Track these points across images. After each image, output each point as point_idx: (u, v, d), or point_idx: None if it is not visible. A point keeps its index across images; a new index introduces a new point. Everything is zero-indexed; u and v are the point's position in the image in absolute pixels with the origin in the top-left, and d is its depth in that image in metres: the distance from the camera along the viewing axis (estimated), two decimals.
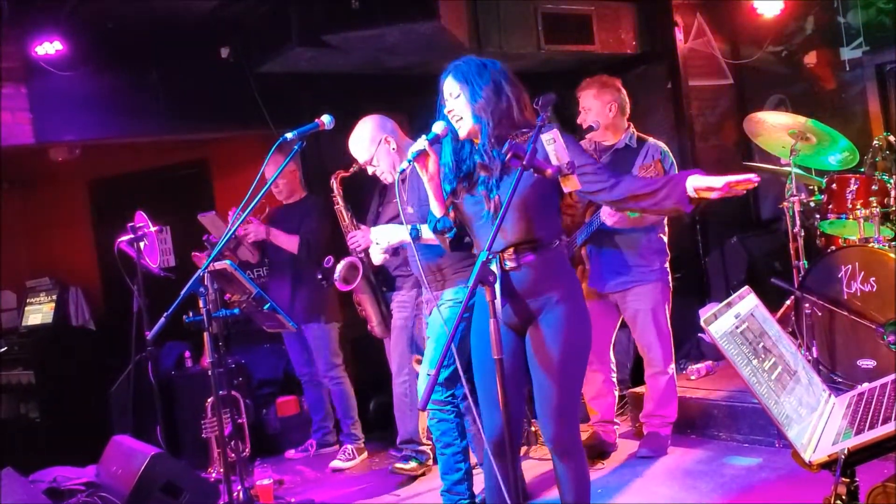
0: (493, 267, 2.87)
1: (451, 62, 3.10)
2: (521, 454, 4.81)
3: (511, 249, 2.95)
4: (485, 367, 3.08)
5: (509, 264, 2.96)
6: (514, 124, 3.00)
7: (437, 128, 3.03)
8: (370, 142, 4.05)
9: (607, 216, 4.27)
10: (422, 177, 3.06)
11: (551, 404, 2.96)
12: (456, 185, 3.08)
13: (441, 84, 3.08)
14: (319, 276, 5.03)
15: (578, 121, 4.60)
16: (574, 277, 3.12)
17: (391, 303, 4.86)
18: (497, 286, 2.79)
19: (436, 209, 3.11)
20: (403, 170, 3.07)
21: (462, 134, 3.05)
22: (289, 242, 5.29)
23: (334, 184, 4.82)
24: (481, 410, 3.14)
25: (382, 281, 4.94)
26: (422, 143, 2.99)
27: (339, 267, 4.81)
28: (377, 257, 4.21)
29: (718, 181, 2.75)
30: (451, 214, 3.12)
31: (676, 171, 4.45)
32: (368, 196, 4.89)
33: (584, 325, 3.04)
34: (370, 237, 4.03)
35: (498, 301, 2.80)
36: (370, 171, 4.13)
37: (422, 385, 3.94)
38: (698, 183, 2.79)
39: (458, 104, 3.01)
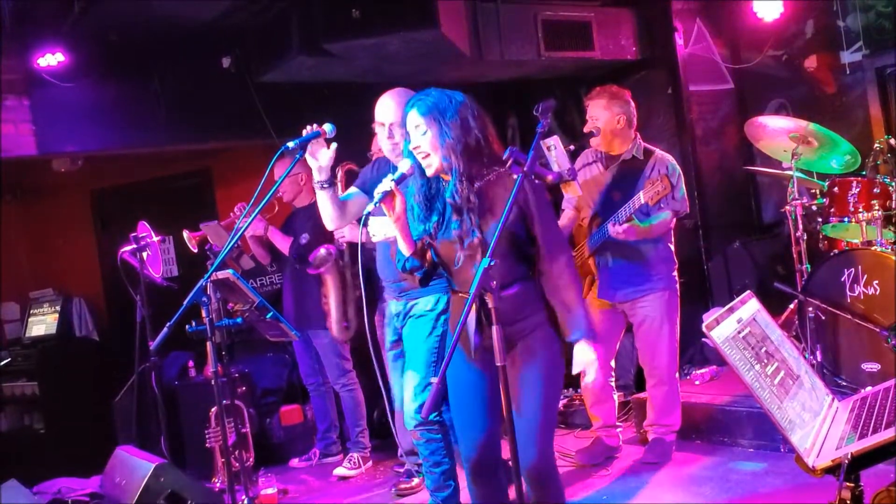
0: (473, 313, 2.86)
1: (414, 94, 3.04)
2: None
3: (490, 288, 2.84)
4: (461, 384, 3.06)
5: (490, 303, 2.79)
6: (482, 161, 2.95)
7: (404, 166, 2.99)
8: (398, 116, 3.76)
9: (615, 229, 4.28)
10: (388, 216, 2.97)
11: (534, 433, 2.93)
12: (428, 224, 3.03)
13: (403, 116, 3.02)
14: (295, 257, 5.04)
15: (585, 129, 4.61)
16: (542, 308, 3.06)
17: (382, 313, 4.68)
18: (472, 318, 2.84)
19: (404, 249, 3.03)
20: (370, 211, 3.05)
21: (430, 172, 2.98)
22: (283, 243, 5.30)
23: (339, 174, 4.68)
24: (457, 429, 3.10)
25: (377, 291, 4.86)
26: (388, 183, 2.92)
27: (322, 252, 4.82)
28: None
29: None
30: (426, 255, 3.05)
31: (684, 186, 4.48)
32: None
33: (558, 353, 3.03)
34: (368, 228, 3.77)
35: (472, 331, 2.85)
36: (384, 136, 3.81)
37: (408, 400, 3.81)
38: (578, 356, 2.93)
39: (424, 141, 2.94)
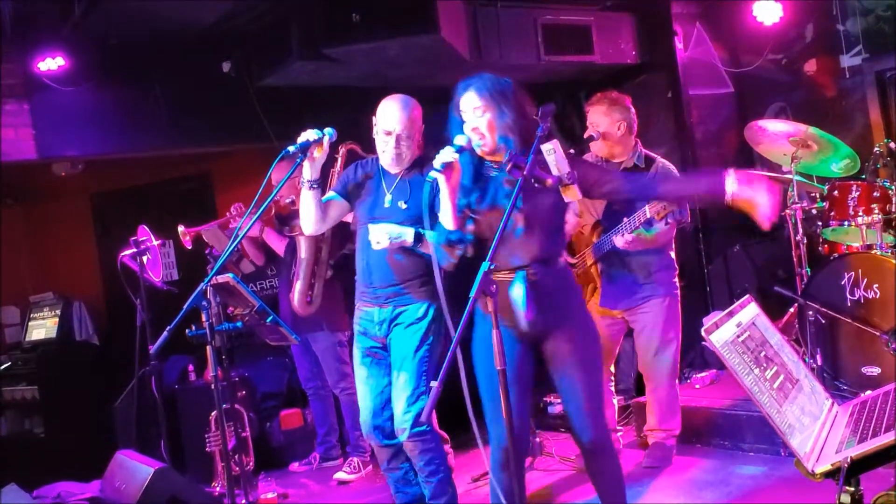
0: (519, 285, 2.96)
1: (465, 78, 3.14)
2: (526, 465, 4.80)
3: (535, 264, 3.06)
4: (491, 378, 3.08)
5: (534, 277, 3.04)
6: (530, 142, 3.03)
7: (461, 140, 3.06)
8: (418, 122, 3.76)
9: (620, 240, 4.28)
10: (442, 188, 3.04)
11: (586, 407, 3.10)
12: (473, 198, 3.12)
13: (458, 97, 3.12)
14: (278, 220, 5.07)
15: (585, 135, 4.60)
16: (579, 290, 3.29)
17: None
18: (522, 298, 2.93)
19: (448, 222, 3.11)
20: (432, 178, 3.01)
21: (483, 151, 3.10)
22: (279, 244, 5.30)
23: (342, 151, 4.53)
24: (487, 421, 3.15)
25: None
26: (450, 154, 3.00)
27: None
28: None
29: (757, 204, 2.99)
30: (469, 227, 3.14)
31: None
32: None
33: (596, 332, 3.23)
34: (369, 236, 3.65)
35: (522, 309, 2.93)
36: (390, 145, 3.71)
37: (399, 411, 3.73)
38: (739, 191, 3.00)
39: (482, 122, 3.06)
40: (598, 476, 3.22)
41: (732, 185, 2.97)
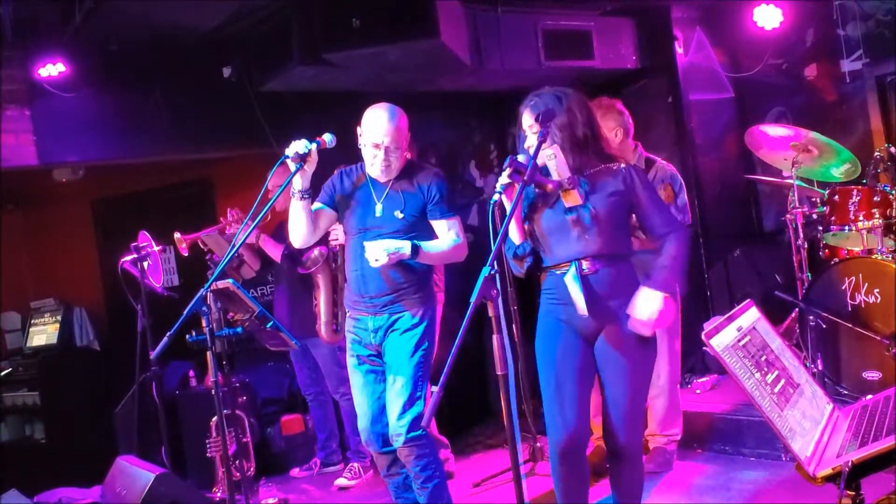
0: (571, 272, 3.06)
1: (530, 94, 3.26)
2: (527, 471, 4.80)
3: (591, 258, 3.10)
4: (552, 371, 3.17)
5: (587, 269, 3.09)
6: (588, 154, 3.17)
7: (521, 159, 3.10)
8: (404, 131, 3.71)
9: None
10: (505, 206, 3.07)
11: (626, 412, 3.13)
12: (534, 202, 3.22)
13: (520, 117, 3.25)
14: (287, 258, 5.11)
15: None
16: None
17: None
18: (576, 290, 3.03)
19: (515, 236, 3.21)
20: (495, 200, 3.04)
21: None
22: (275, 251, 5.30)
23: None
24: (545, 414, 3.20)
25: None
26: (506, 177, 3.04)
27: (315, 253, 4.86)
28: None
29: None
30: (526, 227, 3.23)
31: (686, 196, 4.48)
32: None
33: (652, 337, 3.18)
34: (366, 254, 3.60)
35: (581, 303, 3.03)
36: (379, 157, 3.65)
37: (393, 416, 3.70)
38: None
39: (537, 141, 3.11)
40: (619, 480, 3.26)
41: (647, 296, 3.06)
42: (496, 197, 3.06)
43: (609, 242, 3.12)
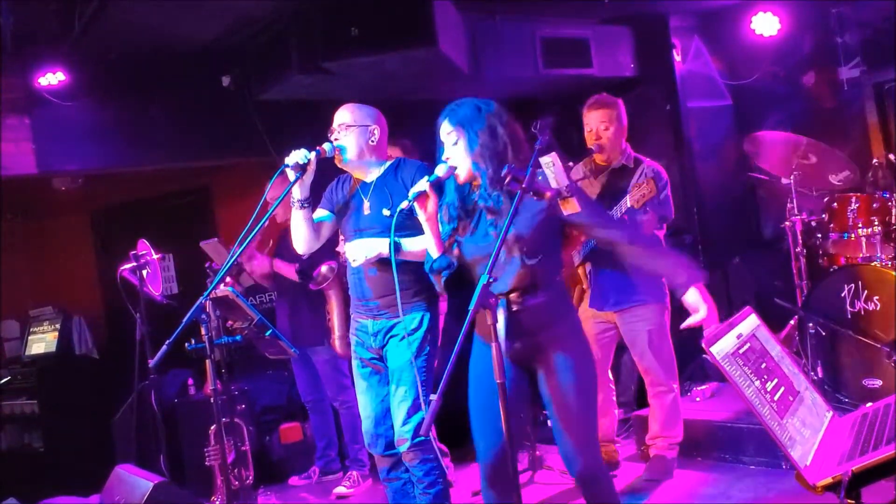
0: (500, 309, 2.92)
1: (448, 103, 3.13)
2: (526, 479, 4.79)
3: (516, 293, 2.99)
4: (480, 392, 3.08)
5: (515, 307, 2.98)
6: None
7: (440, 170, 3.07)
8: (366, 117, 3.76)
9: None
10: (419, 216, 3.07)
11: (575, 439, 3.02)
12: (457, 224, 3.11)
13: (437, 126, 3.13)
14: (298, 268, 5.11)
15: (589, 145, 4.61)
16: (574, 313, 3.20)
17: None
18: (502, 324, 2.89)
19: (433, 250, 3.11)
20: (402, 208, 3.06)
21: (461, 179, 3.08)
22: (289, 271, 5.31)
23: None
24: (474, 437, 3.12)
25: None
26: (423, 184, 3.03)
27: (323, 269, 4.86)
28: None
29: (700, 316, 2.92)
30: (455, 252, 3.11)
31: (669, 193, 4.49)
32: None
33: (590, 357, 3.12)
34: (347, 254, 3.66)
35: (502, 336, 2.87)
36: (333, 136, 3.73)
37: (398, 422, 3.70)
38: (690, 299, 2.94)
39: (455, 151, 3.05)
40: (594, 501, 3.14)
41: (693, 295, 2.93)
42: (404, 204, 3.05)
43: (538, 270, 2.98)
